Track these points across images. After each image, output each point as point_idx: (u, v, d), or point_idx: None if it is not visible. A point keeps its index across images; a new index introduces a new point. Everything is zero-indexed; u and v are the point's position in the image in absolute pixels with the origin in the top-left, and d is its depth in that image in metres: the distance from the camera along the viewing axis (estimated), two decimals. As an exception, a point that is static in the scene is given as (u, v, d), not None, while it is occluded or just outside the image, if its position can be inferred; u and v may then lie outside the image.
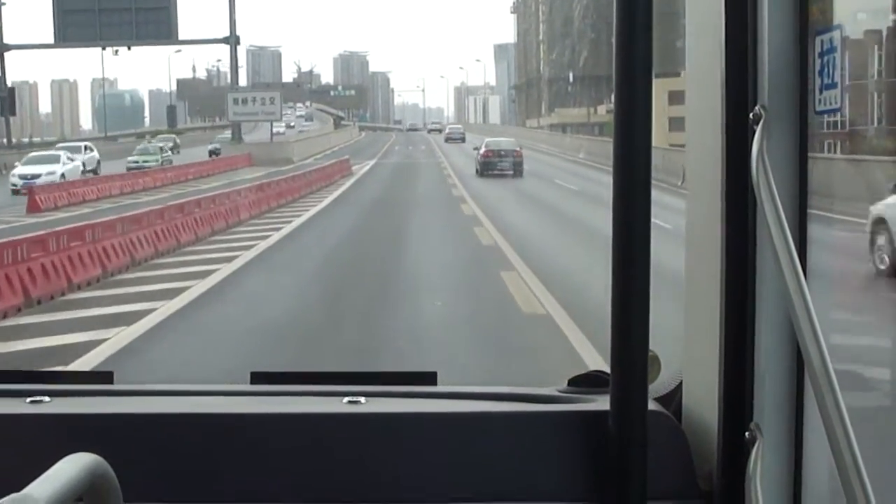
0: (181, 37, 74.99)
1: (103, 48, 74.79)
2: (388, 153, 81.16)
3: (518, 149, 51.15)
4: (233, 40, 72.41)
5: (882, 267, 7.04)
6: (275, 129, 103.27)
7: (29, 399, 2.27)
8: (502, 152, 49.81)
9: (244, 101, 72.23)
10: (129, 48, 73.92)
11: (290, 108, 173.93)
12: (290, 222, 30.56)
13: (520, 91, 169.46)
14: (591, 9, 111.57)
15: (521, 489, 2.13)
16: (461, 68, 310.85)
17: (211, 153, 70.68)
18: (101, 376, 2.52)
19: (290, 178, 41.20)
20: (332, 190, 44.11)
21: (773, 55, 1.98)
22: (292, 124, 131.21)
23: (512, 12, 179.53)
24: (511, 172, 46.95)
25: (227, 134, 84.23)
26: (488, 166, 47.94)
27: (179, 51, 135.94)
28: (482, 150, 50.62)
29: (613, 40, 1.99)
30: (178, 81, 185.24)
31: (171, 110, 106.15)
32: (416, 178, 50.92)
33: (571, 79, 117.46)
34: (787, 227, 1.83)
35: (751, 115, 1.98)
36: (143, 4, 71.45)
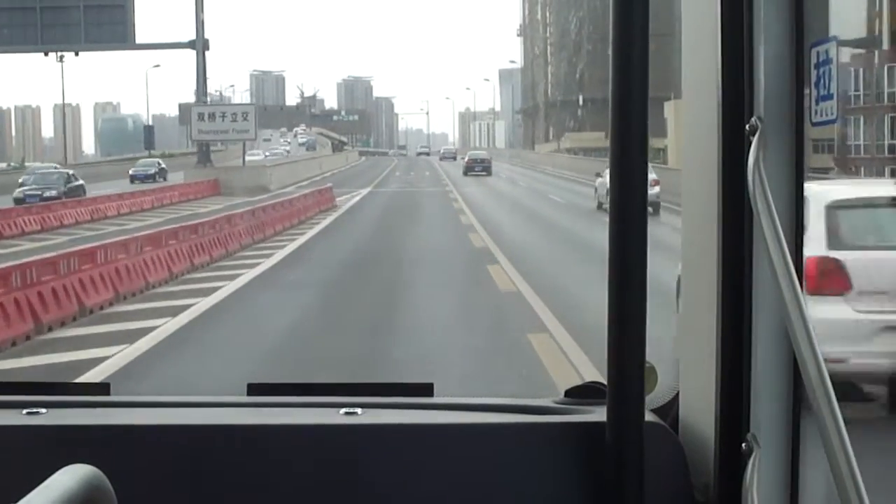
0: (140, 40, 58.77)
1: (45, 53, 58.87)
2: (387, 180, 66.33)
3: (488, 157, 75.12)
4: (200, 44, 57.00)
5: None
6: (263, 155, 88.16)
7: (25, 411, 2.22)
8: (478, 160, 72.70)
9: (211, 117, 56.23)
10: (76, 54, 58.42)
11: (289, 133, 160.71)
12: (167, 320, 14.73)
13: (526, 115, 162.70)
14: (600, 30, 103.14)
15: (517, 500, 2.08)
16: (468, 89, 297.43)
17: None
18: (97, 388, 2.50)
19: (227, 218, 25.40)
20: (295, 234, 28.55)
21: (768, 66, 1.95)
22: (278, 150, 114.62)
23: (518, 35, 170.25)
24: (484, 173, 67.25)
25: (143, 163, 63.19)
26: (470, 168, 69.09)
27: (158, 66, 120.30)
28: (466, 159, 75.08)
29: (609, 58, 1.93)
30: (181, 106, 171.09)
31: (149, 131, 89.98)
32: (419, 215, 35.83)
33: (581, 102, 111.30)
34: (784, 238, 1.81)
35: (747, 126, 1.94)
36: (93, 2, 56.03)
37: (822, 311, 5.50)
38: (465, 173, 67.64)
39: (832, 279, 6.01)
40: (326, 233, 30.53)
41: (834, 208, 6.35)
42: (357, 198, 47.80)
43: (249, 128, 56.97)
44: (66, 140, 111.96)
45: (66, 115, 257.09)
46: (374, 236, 29.60)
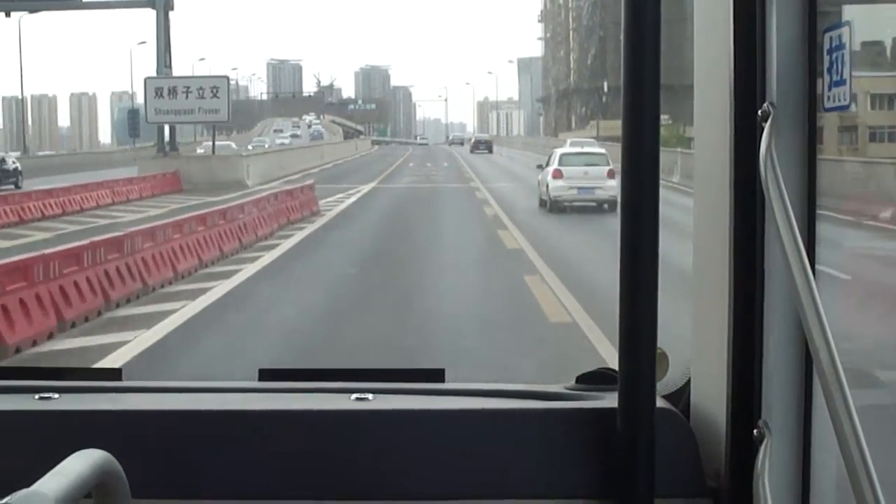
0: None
1: (-27, 14, 45.62)
2: (398, 172, 53.97)
3: (490, 139, 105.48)
4: (161, 3, 43.19)
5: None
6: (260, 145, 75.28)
7: (38, 396, 2.16)
8: (482, 140, 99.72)
9: (172, 93, 42.09)
10: (7, 14, 44.97)
11: (302, 122, 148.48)
12: None
13: (547, 103, 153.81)
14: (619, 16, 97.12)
15: (528, 486, 2.03)
16: (490, 73, 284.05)
17: None
18: (109, 373, 2.43)
19: (45, 260, 11.38)
20: (208, 284, 14.46)
21: (781, 52, 1.90)
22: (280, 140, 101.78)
23: (539, 21, 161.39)
24: (486, 151, 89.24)
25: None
26: (475, 147, 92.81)
27: (144, 42, 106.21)
28: (472, 141, 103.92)
29: (621, 44, 1.89)
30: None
31: (133, 115, 75.26)
32: (436, 230, 22.26)
33: (606, 88, 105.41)
34: (796, 225, 1.77)
35: (759, 111, 1.90)
36: (31, -48, 42.80)
37: (558, 183, 30.60)
38: (472, 151, 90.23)
39: (560, 174, 30.73)
40: (269, 276, 16.63)
41: (562, 154, 33.64)
42: (354, 197, 35.07)
43: (221, 107, 42.69)
44: (25, 130, 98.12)
45: (82, 104, 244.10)
46: (355, 286, 15.73)
